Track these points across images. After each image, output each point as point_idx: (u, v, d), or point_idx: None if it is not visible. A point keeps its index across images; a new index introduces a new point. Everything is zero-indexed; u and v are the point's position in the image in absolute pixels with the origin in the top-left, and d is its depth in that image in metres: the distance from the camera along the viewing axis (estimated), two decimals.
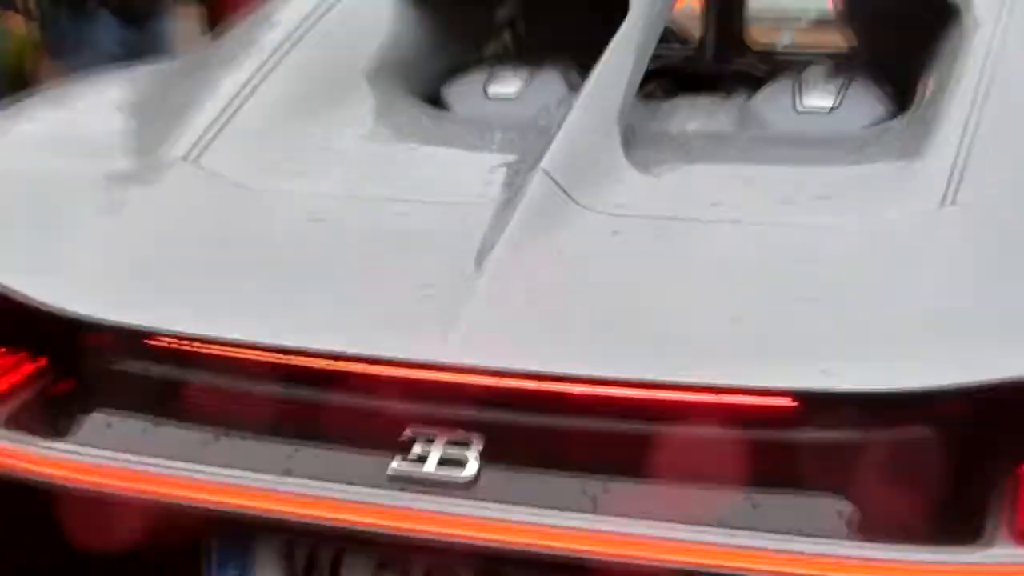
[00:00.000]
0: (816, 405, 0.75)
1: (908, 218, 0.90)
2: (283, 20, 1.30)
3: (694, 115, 1.27)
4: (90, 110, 1.28)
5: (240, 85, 1.17)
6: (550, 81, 1.27)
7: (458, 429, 0.79)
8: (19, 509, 0.89)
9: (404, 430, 0.80)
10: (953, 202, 0.89)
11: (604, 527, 0.74)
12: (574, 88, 1.18)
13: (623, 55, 1.14)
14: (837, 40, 1.59)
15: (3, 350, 0.94)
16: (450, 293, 0.84)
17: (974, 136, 0.96)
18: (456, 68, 1.36)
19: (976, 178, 0.91)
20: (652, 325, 0.82)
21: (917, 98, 1.15)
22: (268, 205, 1.04)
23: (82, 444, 0.88)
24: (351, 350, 0.82)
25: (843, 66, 1.32)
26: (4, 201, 1.06)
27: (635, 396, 0.77)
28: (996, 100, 1.01)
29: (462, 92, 1.30)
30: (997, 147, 0.97)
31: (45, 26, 2.86)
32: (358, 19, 1.33)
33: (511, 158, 1.03)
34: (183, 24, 3.04)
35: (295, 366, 0.83)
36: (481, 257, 0.86)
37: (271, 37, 1.26)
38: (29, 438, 0.89)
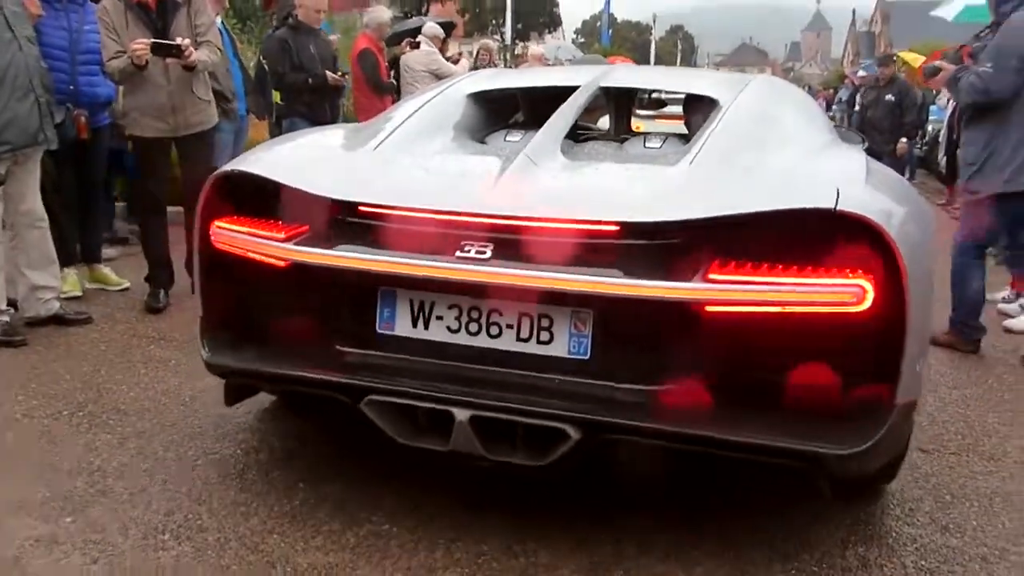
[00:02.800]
0: (628, 228, 2.11)
1: (676, 168, 2.40)
2: (408, 105, 3.06)
3: (598, 147, 2.91)
4: (334, 133, 3.15)
5: (392, 128, 2.78)
6: (531, 136, 2.69)
7: (486, 242, 2.13)
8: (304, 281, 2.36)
9: (462, 240, 2.15)
10: (689, 164, 2.39)
11: (535, 273, 2.10)
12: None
13: (560, 115, 2.73)
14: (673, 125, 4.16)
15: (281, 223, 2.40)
16: (486, 183, 2.31)
17: (701, 149, 2.47)
18: (492, 130, 3.05)
19: (703, 157, 2.42)
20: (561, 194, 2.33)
21: (691, 140, 2.72)
22: (406, 163, 2.59)
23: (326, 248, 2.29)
24: (446, 207, 2.22)
25: (667, 135, 2.98)
26: (308, 154, 2.77)
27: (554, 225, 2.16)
28: (718, 132, 2.57)
29: (493, 139, 2.95)
30: (710, 151, 2.46)
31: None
32: (444, 105, 3.02)
33: (499, 157, 2.55)
34: None
35: (416, 218, 2.25)
36: (500, 175, 2.34)
37: (403, 111, 2.96)
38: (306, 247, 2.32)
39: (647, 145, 2.81)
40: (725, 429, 2.01)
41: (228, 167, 2.55)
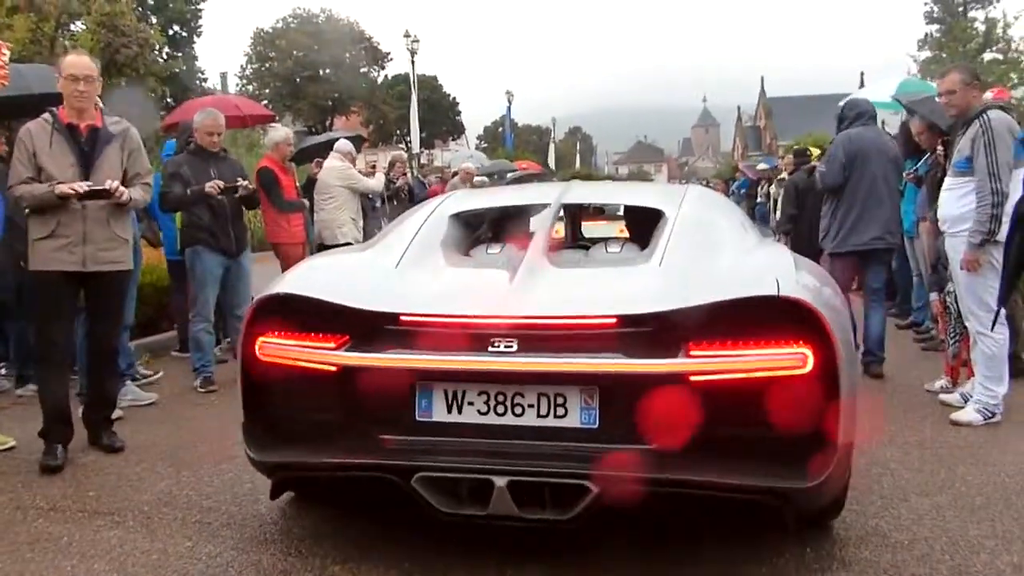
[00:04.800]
0: (623, 319, 2.63)
1: (649, 270, 2.98)
2: (405, 227, 3.51)
3: (573, 255, 3.57)
4: (346, 255, 3.78)
5: (402, 248, 3.24)
6: (508, 249, 3.34)
7: (512, 338, 2.60)
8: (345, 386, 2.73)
9: (491, 338, 2.61)
10: (659, 265, 2.96)
11: (561, 361, 2.61)
12: (519, 251, 3.16)
13: (540, 234, 3.18)
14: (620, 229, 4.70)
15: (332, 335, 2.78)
16: (504, 291, 2.79)
17: (665, 253, 3.02)
18: (474, 243, 3.61)
19: (668, 259, 2.97)
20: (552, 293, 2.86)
21: (649, 245, 3.26)
22: (427, 278, 3.03)
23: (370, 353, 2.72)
24: (478, 311, 2.68)
25: (623, 241, 3.59)
26: (340, 270, 3.28)
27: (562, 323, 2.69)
28: (675, 239, 3.10)
29: (476, 252, 3.47)
30: (672, 254, 3.00)
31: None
32: (435, 225, 3.45)
33: (499, 268, 3.03)
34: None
35: (453, 323, 2.68)
36: (511, 284, 2.84)
37: (402, 233, 3.44)
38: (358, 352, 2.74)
39: (609, 250, 3.50)
40: (714, 474, 2.50)
41: (275, 289, 2.93)
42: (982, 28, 32.55)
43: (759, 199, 16.55)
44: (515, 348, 2.58)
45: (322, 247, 7.84)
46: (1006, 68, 32.62)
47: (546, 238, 3.20)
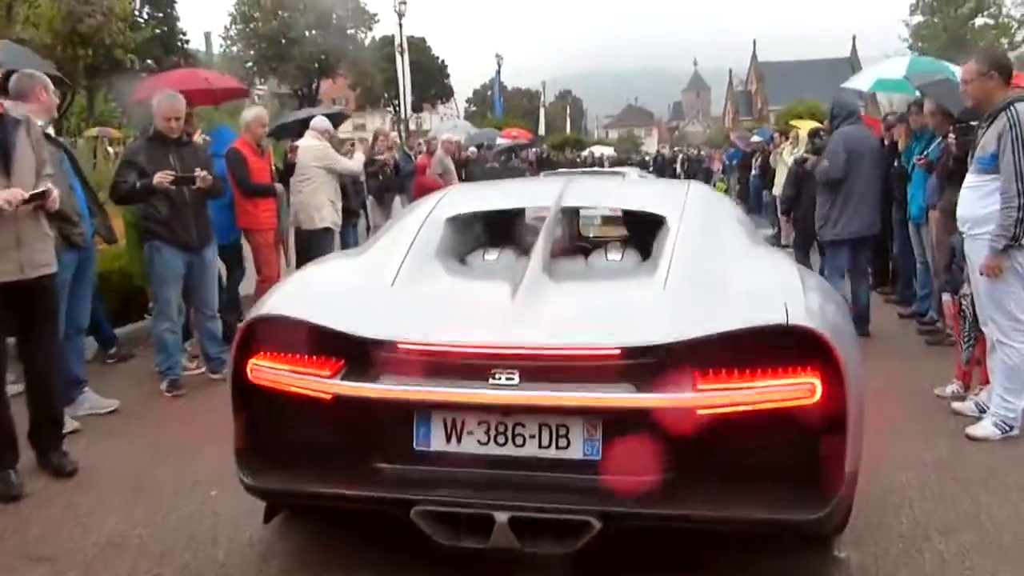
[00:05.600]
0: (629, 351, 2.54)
1: (653, 293, 2.87)
2: (400, 233, 3.44)
3: (572, 264, 3.48)
4: (337, 268, 3.50)
5: (397, 262, 3.12)
6: (506, 255, 3.44)
7: (513, 369, 2.51)
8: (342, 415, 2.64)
9: (492, 368, 2.52)
10: (663, 288, 2.87)
11: (564, 395, 2.52)
12: (518, 257, 3.37)
13: (541, 244, 3.11)
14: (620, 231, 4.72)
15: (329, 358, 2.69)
16: (505, 319, 2.72)
17: (669, 271, 2.93)
18: (470, 249, 3.56)
19: (673, 280, 2.88)
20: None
21: (651, 257, 3.21)
22: (425, 299, 2.94)
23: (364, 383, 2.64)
24: (478, 342, 2.59)
25: (622, 245, 3.62)
26: (334, 288, 3.05)
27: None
28: (679, 255, 3.01)
29: (474, 258, 3.48)
30: (677, 273, 2.91)
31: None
32: (430, 232, 3.36)
33: (499, 283, 2.96)
34: None
35: (453, 351, 2.59)
36: (512, 307, 2.78)
37: (397, 240, 3.34)
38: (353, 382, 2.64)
39: (609, 257, 3.47)
40: (723, 507, 2.46)
41: (267, 310, 2.80)
42: None
43: (753, 171, 16.17)
44: (516, 380, 2.49)
45: (300, 232, 7.45)
46: (997, 33, 32.20)
47: (545, 251, 3.11)
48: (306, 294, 3.00)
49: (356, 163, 7.86)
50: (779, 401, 2.42)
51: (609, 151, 50.36)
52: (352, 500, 2.62)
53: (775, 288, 2.73)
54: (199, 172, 5.17)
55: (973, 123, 5.22)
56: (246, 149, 6.51)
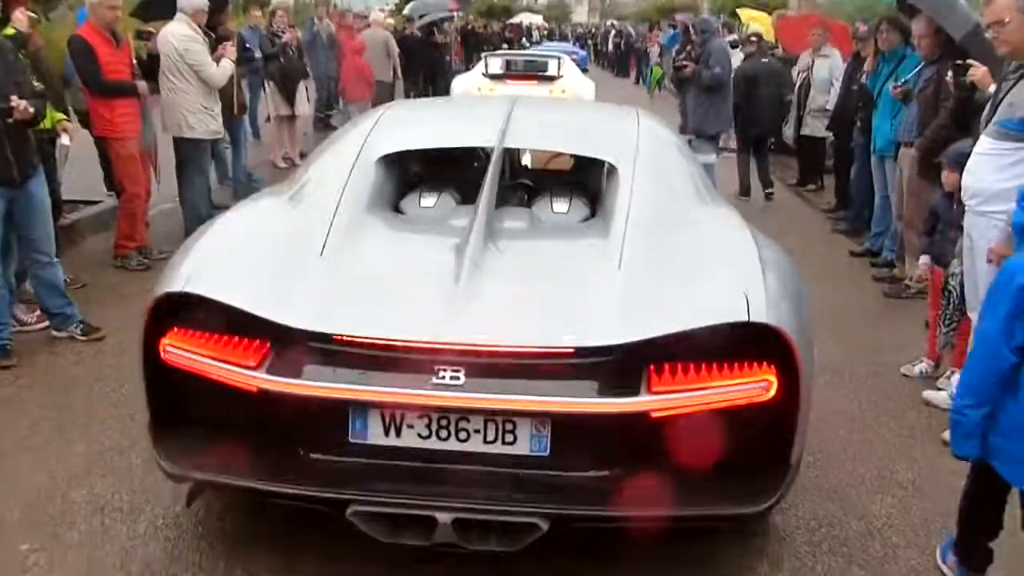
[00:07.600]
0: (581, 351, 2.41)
1: (608, 282, 2.67)
2: (326, 179, 3.26)
3: (514, 222, 3.23)
4: (280, 196, 3.32)
5: (326, 224, 2.90)
6: (444, 200, 3.43)
7: (457, 367, 2.34)
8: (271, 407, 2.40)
9: (435, 365, 2.34)
10: (618, 267, 2.72)
11: (512, 398, 2.36)
12: (458, 202, 3.42)
13: (483, 204, 2.96)
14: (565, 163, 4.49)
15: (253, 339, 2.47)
16: (450, 308, 2.50)
17: (623, 251, 2.78)
18: (404, 192, 3.53)
19: (628, 258, 2.75)
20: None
21: (600, 209, 3.34)
22: (349, 271, 2.73)
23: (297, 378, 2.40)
24: (418, 337, 2.39)
25: (569, 190, 3.59)
26: (256, 257, 2.72)
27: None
28: (633, 227, 2.89)
29: (409, 205, 3.42)
30: (633, 249, 2.79)
31: None
32: (361, 178, 3.19)
33: (438, 248, 2.82)
34: None
35: (388, 344, 2.39)
36: (456, 290, 2.55)
37: (323, 189, 3.18)
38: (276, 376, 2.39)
39: (555, 209, 3.39)
40: (673, 505, 2.42)
41: (179, 285, 2.52)
42: None
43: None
44: (462, 380, 2.34)
45: (175, 141, 6.20)
46: None
47: (489, 206, 3.00)
48: (225, 266, 2.69)
49: (221, 74, 6.21)
50: (734, 399, 2.39)
51: (539, 19, 47.96)
52: (281, 497, 2.46)
53: (736, 273, 2.64)
54: (15, 101, 3.96)
55: (970, 61, 4.42)
56: (94, 37, 5.23)
